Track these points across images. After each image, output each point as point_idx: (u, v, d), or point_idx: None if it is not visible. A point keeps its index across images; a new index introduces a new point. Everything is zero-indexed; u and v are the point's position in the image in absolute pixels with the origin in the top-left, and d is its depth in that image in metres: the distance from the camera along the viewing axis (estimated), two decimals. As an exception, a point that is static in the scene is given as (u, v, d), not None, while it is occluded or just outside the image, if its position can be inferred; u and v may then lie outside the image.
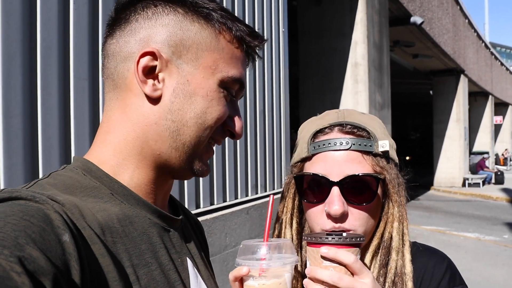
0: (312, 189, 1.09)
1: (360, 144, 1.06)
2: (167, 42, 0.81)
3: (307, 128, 1.15)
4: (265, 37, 4.15)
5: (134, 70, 0.81)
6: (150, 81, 0.81)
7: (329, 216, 1.04)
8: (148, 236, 0.81)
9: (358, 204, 1.04)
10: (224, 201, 3.97)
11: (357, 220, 1.05)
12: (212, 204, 3.79)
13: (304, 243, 1.14)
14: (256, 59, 0.93)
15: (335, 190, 1.03)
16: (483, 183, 19.73)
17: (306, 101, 9.17)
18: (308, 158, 1.11)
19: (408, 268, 1.06)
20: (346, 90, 8.53)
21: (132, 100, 0.83)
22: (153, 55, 0.80)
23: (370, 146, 1.06)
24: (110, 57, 0.85)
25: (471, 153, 22.60)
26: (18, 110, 2.11)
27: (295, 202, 1.17)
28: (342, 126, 1.09)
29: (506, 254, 8.60)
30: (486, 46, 24.16)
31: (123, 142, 0.83)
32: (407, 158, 25.28)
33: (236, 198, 4.13)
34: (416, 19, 11.15)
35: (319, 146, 1.08)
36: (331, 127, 1.10)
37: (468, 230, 10.89)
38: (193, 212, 3.48)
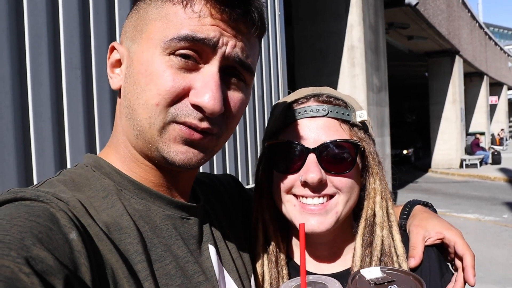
0: (285, 158, 1.00)
1: (337, 112, 1.00)
2: (126, 30, 0.80)
3: (281, 103, 1.08)
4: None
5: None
6: (113, 75, 0.81)
7: (304, 185, 0.96)
8: (161, 230, 0.78)
9: (336, 173, 0.97)
10: (225, 190, 3.89)
11: (338, 186, 0.97)
12: (213, 193, 3.70)
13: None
14: None
15: (311, 157, 0.96)
16: (480, 164, 19.79)
17: (302, 86, 9.00)
18: (281, 129, 1.04)
19: (400, 249, 0.99)
20: (343, 74, 8.44)
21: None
22: (114, 48, 0.81)
23: (348, 115, 1.01)
24: None
25: (467, 134, 22.64)
26: (8, 101, 2.00)
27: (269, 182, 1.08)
28: (318, 96, 1.03)
29: (507, 234, 8.63)
30: (480, 26, 24.06)
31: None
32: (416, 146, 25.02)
33: (237, 186, 4.05)
34: (410, 0, 11.02)
35: (293, 115, 1.02)
36: (306, 97, 1.04)
37: (467, 211, 10.92)
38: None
